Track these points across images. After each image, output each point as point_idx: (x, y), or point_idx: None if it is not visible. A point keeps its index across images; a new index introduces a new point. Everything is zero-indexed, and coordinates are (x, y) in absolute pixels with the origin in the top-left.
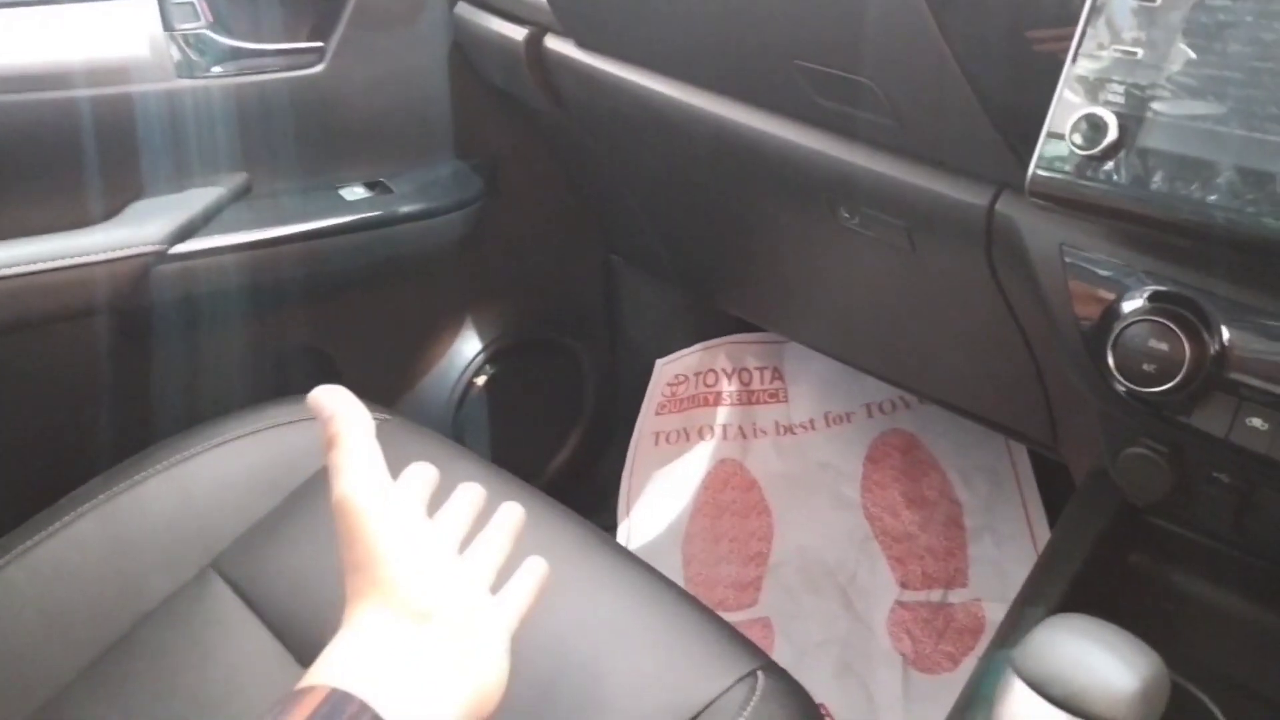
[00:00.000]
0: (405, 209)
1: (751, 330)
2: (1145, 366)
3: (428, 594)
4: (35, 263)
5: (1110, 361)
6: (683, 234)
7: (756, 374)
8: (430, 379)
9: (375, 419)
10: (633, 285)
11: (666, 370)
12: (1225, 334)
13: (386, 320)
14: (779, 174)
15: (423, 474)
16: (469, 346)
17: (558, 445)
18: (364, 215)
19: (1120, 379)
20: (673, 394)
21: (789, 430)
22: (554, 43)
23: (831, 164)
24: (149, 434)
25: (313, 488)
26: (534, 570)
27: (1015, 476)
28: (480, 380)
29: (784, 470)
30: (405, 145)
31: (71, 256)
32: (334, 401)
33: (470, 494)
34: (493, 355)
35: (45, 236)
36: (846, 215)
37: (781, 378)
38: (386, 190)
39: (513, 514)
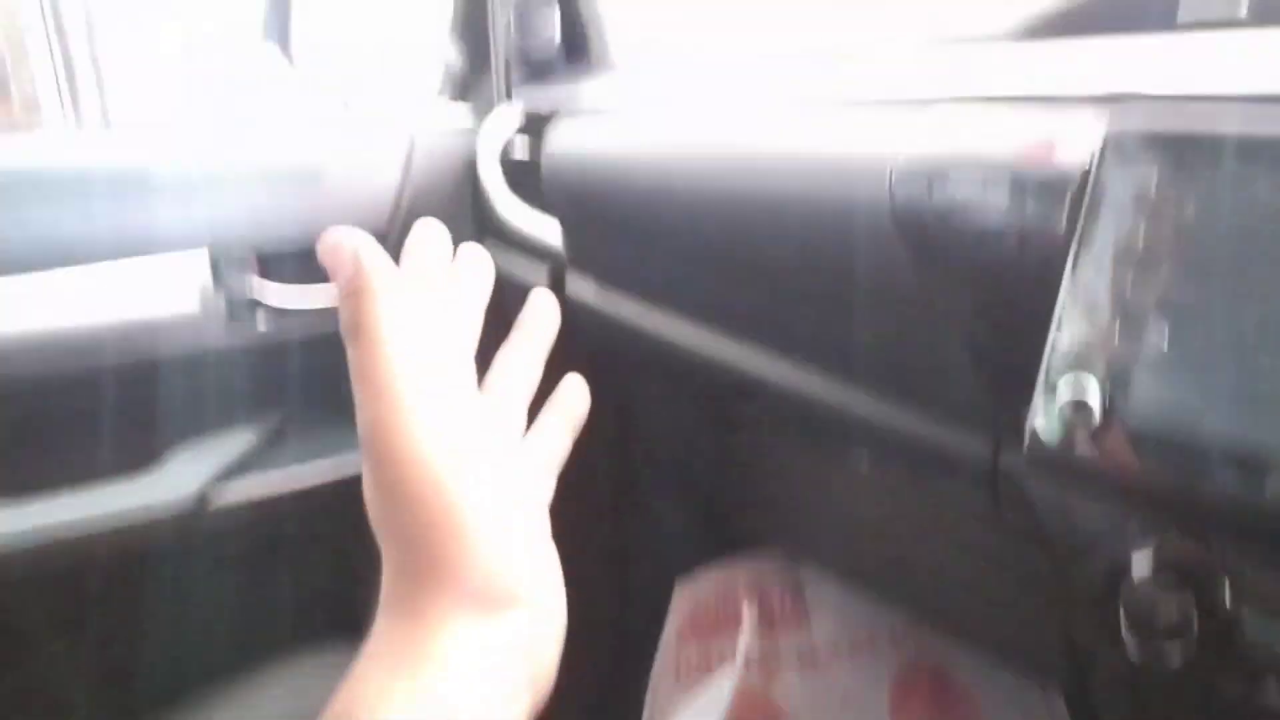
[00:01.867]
0: None
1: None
2: (1156, 624)
3: (511, 572)
4: (82, 514)
5: (1121, 618)
6: (698, 462)
7: (777, 595)
8: None
9: None
10: (652, 504)
11: (684, 592)
12: (1235, 596)
13: None
14: (793, 416)
15: (434, 263)
16: None
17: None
18: None
19: (1131, 636)
20: (693, 619)
21: (812, 655)
22: (574, 281)
23: (842, 411)
24: (179, 678)
25: None
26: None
27: (1051, 715)
28: None
29: (808, 700)
30: None
31: (118, 507)
32: (346, 241)
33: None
34: None
35: (92, 487)
36: (860, 458)
37: (803, 599)
38: None
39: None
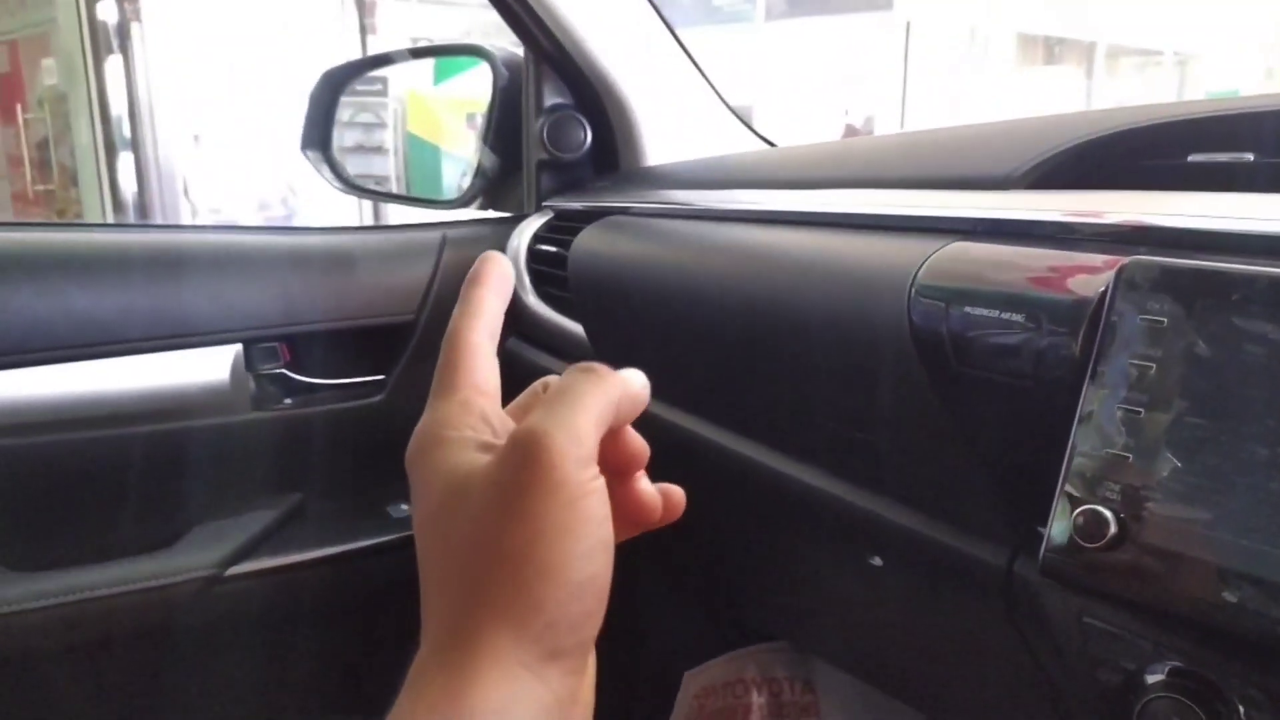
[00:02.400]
0: None
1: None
2: None
3: (582, 621)
4: (109, 585)
5: None
6: (708, 555)
7: (787, 684)
8: None
9: None
10: (658, 595)
11: (693, 682)
12: (1245, 716)
13: (408, 639)
14: (806, 515)
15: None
16: None
17: None
18: (409, 533)
19: None
20: (700, 707)
21: None
22: None
23: (856, 512)
24: None
25: None
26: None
27: None
28: None
29: None
30: None
31: (139, 580)
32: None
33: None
34: None
35: (117, 562)
36: (873, 558)
37: (813, 690)
38: None
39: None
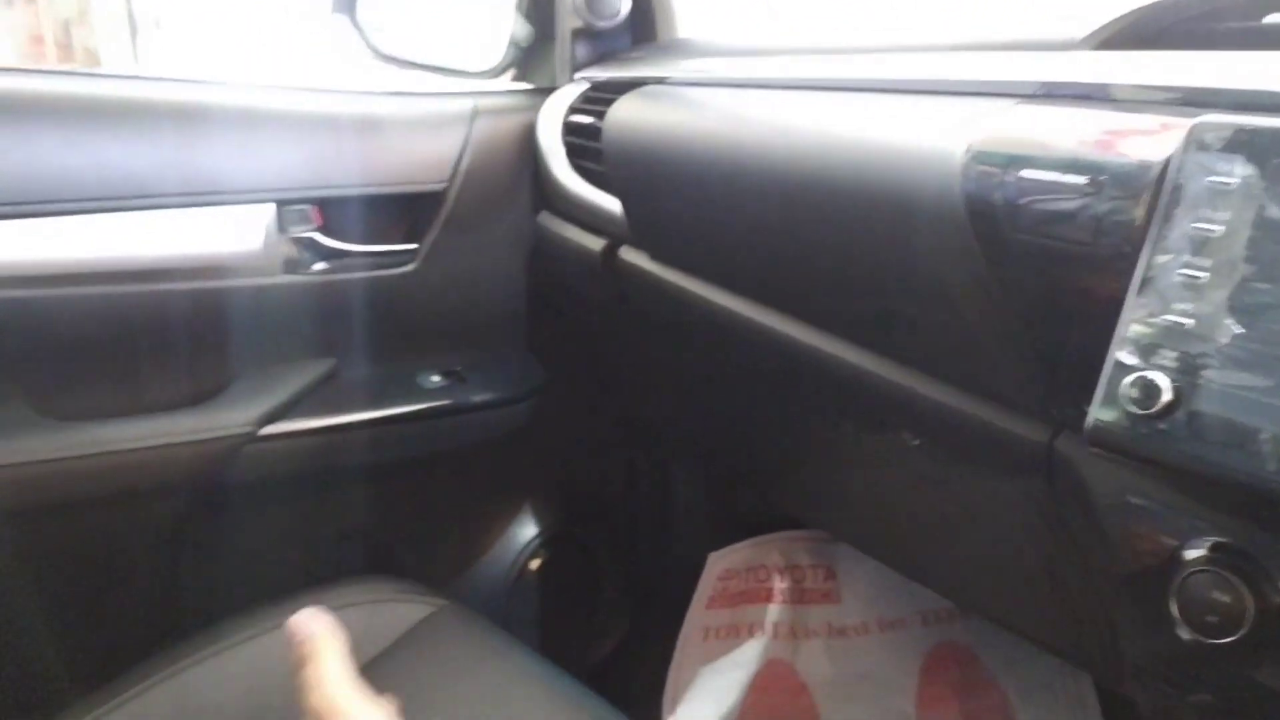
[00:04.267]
0: (477, 398)
1: (804, 527)
2: (1209, 617)
3: None
4: (144, 438)
5: (1173, 610)
6: (739, 437)
7: (809, 571)
8: (485, 563)
9: (428, 605)
10: (688, 481)
11: (718, 564)
12: None
13: (447, 504)
14: (843, 393)
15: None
16: (524, 532)
17: (606, 634)
18: (438, 402)
19: (1183, 628)
20: (724, 588)
21: (841, 632)
22: (628, 254)
23: (894, 390)
24: (216, 605)
25: (374, 667)
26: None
27: (1080, 700)
28: (534, 565)
29: (834, 675)
30: (481, 338)
31: (174, 434)
32: (311, 625)
33: None
34: (547, 540)
35: (152, 415)
36: (909, 437)
37: (835, 577)
38: (461, 379)
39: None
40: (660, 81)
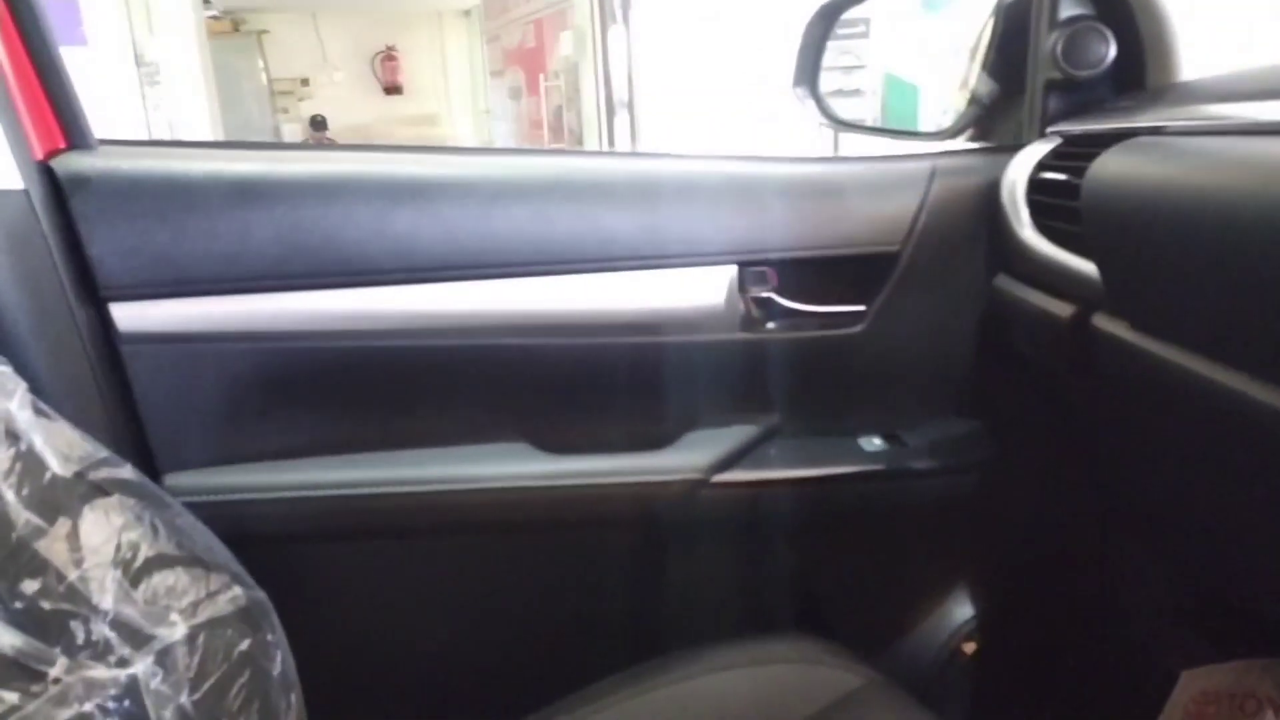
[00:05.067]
0: (917, 464)
1: None
2: None
3: None
4: (607, 475)
5: None
6: (1233, 541)
7: None
8: (915, 636)
9: (859, 676)
10: (1139, 571)
11: (1192, 684)
12: None
13: (884, 569)
14: None
15: None
16: (959, 610)
17: None
18: (878, 467)
19: None
20: (1199, 713)
21: None
22: (1103, 321)
23: None
24: (658, 633)
25: None
26: None
27: None
28: (969, 647)
29: None
30: (923, 400)
31: (637, 473)
32: None
33: None
34: (985, 622)
35: (620, 454)
36: None
37: None
38: (901, 443)
39: None
40: (1155, 132)
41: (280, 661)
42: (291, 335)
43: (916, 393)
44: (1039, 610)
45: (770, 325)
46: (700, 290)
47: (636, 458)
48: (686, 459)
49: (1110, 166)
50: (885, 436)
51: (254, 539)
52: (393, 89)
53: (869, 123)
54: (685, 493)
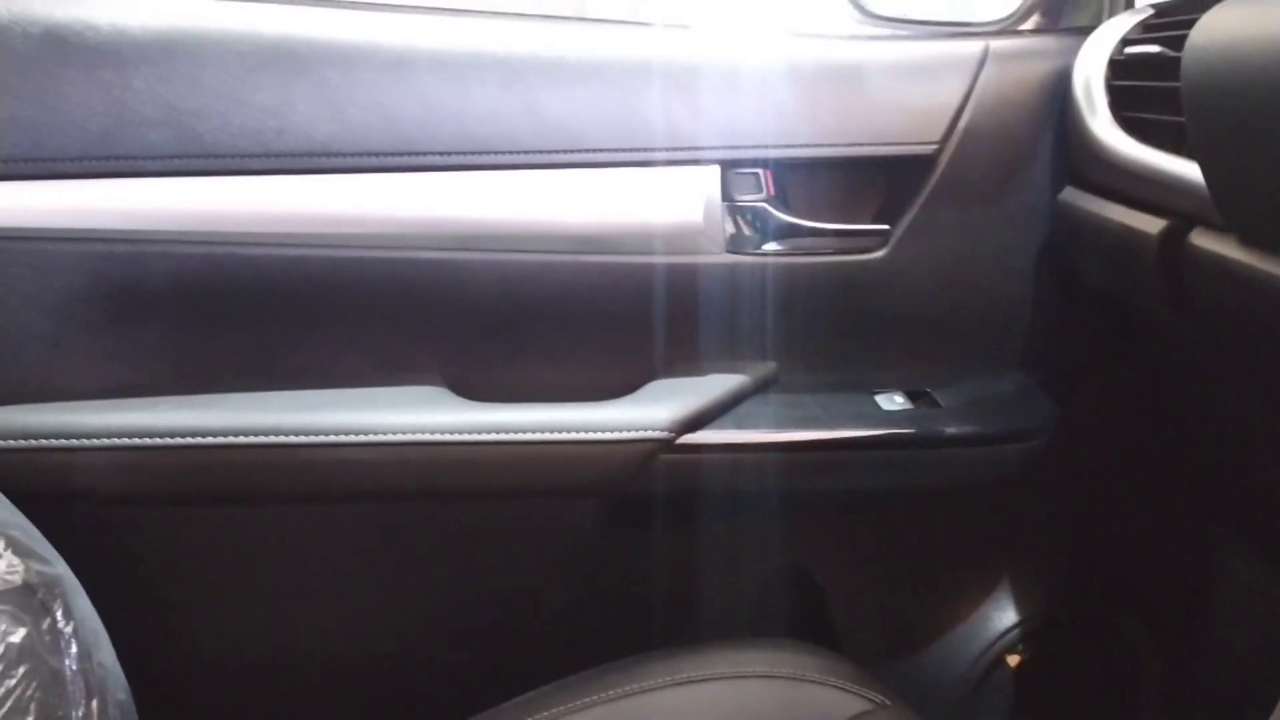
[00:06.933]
0: (952, 429)
1: None
2: None
3: None
4: (543, 431)
5: None
6: None
7: None
8: (945, 645)
9: (863, 699)
10: (1239, 568)
11: None
12: None
13: (899, 557)
14: None
15: None
16: (1001, 615)
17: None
18: (902, 431)
19: None
20: None
21: None
22: (1204, 239)
23: None
24: (619, 633)
25: None
26: None
27: None
28: (1011, 660)
29: None
30: (961, 349)
31: (580, 430)
32: None
33: None
34: (1030, 631)
35: (561, 405)
36: None
37: None
38: (932, 403)
39: None
40: None
41: (76, 658)
42: (130, 236)
43: (954, 338)
44: (1106, 617)
45: (765, 246)
46: (673, 196)
47: (585, 410)
48: (649, 414)
49: (1220, 26)
50: (911, 394)
51: (75, 499)
52: None
53: (914, 16)
54: (645, 456)
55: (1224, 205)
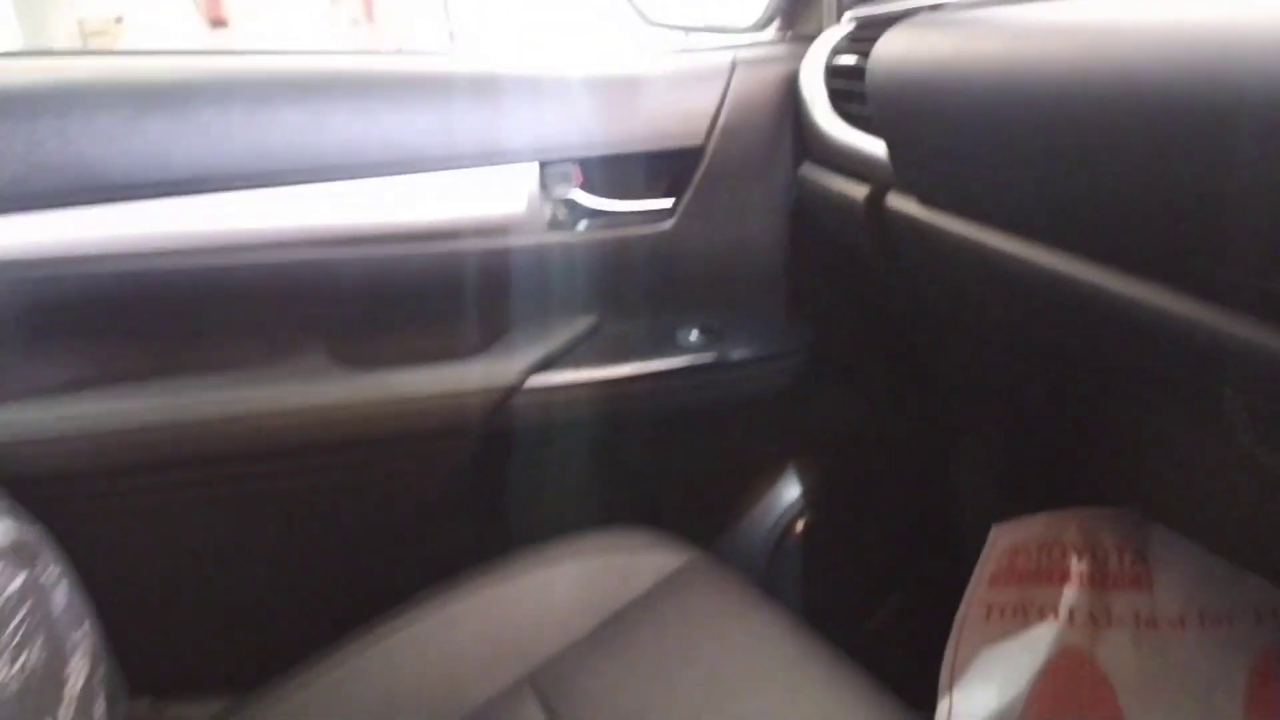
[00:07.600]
0: (738, 354)
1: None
2: None
3: None
4: (423, 387)
5: None
6: (1028, 401)
7: (1114, 554)
8: (748, 520)
9: (684, 555)
10: (967, 450)
11: (1004, 538)
12: None
13: (711, 459)
14: (1158, 346)
15: None
16: (787, 493)
17: (877, 603)
18: (699, 358)
19: None
20: (1010, 565)
21: (1152, 624)
22: (895, 200)
23: (1221, 341)
24: (489, 546)
25: (630, 613)
26: None
27: None
28: (799, 525)
29: (1142, 669)
30: (741, 295)
31: (448, 384)
32: None
33: None
34: (811, 504)
35: (426, 366)
36: (1236, 402)
37: (1145, 561)
38: (719, 337)
39: None
40: (935, 8)
41: (66, 594)
42: (45, 261)
43: (732, 285)
44: (863, 484)
45: (579, 226)
46: (502, 192)
47: (447, 368)
48: (500, 365)
49: (889, 44)
50: (703, 330)
51: (33, 480)
52: (218, 23)
53: (682, 22)
54: (501, 400)
55: (900, 174)
